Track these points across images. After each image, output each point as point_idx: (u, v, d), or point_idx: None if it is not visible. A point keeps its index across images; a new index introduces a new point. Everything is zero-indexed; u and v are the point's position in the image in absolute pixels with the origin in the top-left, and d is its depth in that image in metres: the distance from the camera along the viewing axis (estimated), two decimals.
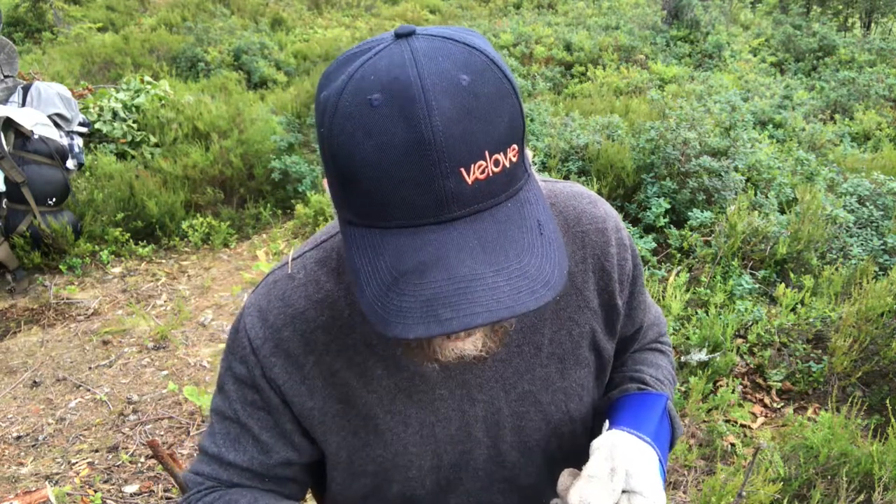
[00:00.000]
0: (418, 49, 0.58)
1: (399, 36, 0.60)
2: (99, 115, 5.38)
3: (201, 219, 4.72)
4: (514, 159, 0.61)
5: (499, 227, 0.59)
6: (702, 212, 3.76)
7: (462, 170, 0.57)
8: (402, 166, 0.56)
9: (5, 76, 4.83)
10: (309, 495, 1.02)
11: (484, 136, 0.57)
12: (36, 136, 4.06)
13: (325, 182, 0.70)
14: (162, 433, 2.81)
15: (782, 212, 3.86)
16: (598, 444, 0.80)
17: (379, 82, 0.57)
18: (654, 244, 3.69)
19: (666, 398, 0.90)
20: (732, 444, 2.54)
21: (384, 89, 0.56)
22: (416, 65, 0.56)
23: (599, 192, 4.15)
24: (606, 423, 0.86)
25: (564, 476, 0.79)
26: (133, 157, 5.31)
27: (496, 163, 0.59)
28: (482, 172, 0.58)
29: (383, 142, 0.56)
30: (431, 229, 0.58)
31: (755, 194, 3.96)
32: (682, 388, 2.68)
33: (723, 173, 3.96)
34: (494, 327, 0.73)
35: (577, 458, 0.85)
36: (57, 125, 4.45)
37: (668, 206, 3.90)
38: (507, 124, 0.60)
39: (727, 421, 2.64)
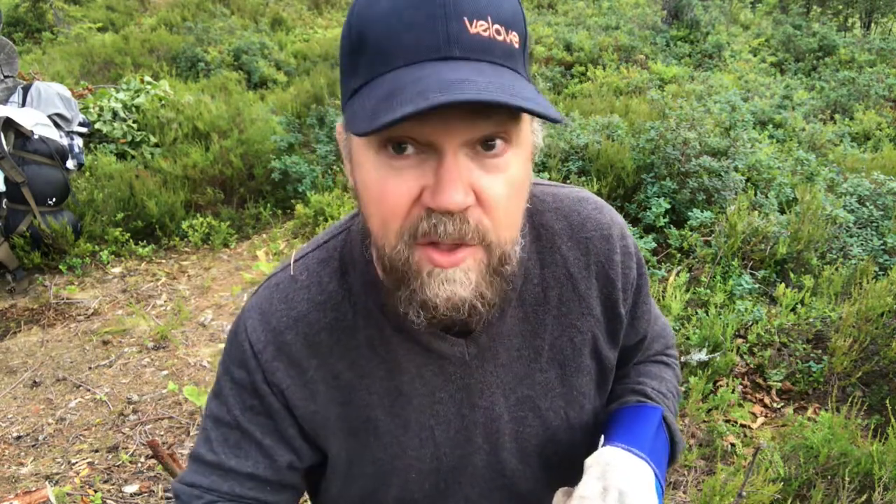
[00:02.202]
0: None
1: None
2: (99, 115, 5.39)
3: (201, 219, 4.72)
4: (515, 45, 0.65)
5: (496, 71, 0.62)
6: (702, 212, 3.76)
7: (465, 19, 0.61)
8: (410, 12, 0.60)
9: (5, 76, 4.83)
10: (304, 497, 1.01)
11: (489, 5, 0.62)
12: (36, 136, 4.06)
13: (339, 125, 0.72)
14: (162, 433, 2.81)
15: (782, 212, 3.87)
16: (590, 462, 0.79)
17: None
18: (654, 244, 3.69)
19: (661, 411, 0.89)
20: (732, 444, 2.54)
21: None
22: None
23: (599, 192, 4.15)
24: (602, 438, 0.85)
25: (558, 496, 0.79)
26: (133, 157, 5.31)
27: (497, 32, 0.63)
28: (485, 31, 0.62)
29: None
30: (432, 63, 0.61)
31: (755, 194, 3.96)
32: (683, 389, 2.68)
33: (723, 173, 3.96)
34: (491, 268, 0.69)
35: (576, 466, 0.84)
36: (57, 125, 4.45)
37: (668, 206, 3.90)
38: (510, 10, 0.64)
39: (727, 421, 2.64)
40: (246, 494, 0.83)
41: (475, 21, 0.61)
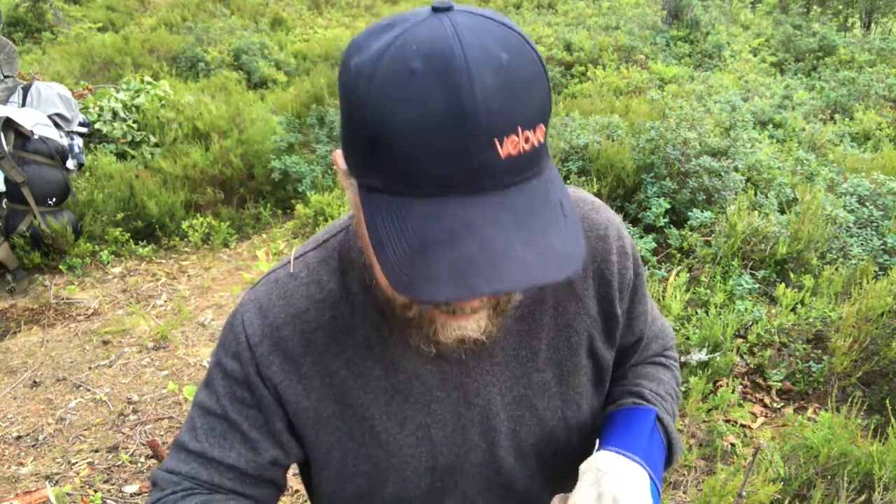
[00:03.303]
0: (459, 23, 0.58)
1: (437, 10, 0.60)
2: (99, 115, 5.39)
3: (201, 219, 4.72)
4: (541, 139, 0.62)
5: (527, 203, 0.60)
6: (702, 212, 3.76)
7: (497, 143, 0.57)
8: (439, 135, 0.56)
9: (5, 76, 4.83)
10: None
11: (519, 113, 0.58)
12: (36, 136, 4.06)
13: (335, 154, 0.69)
14: (162, 433, 2.81)
15: (782, 212, 3.86)
16: (584, 468, 0.80)
17: (420, 52, 0.56)
18: (654, 244, 3.69)
19: (654, 413, 0.89)
20: (732, 444, 2.54)
21: (426, 58, 0.56)
22: (459, 38, 0.56)
23: (599, 192, 4.15)
24: (597, 442, 0.85)
25: (555, 502, 0.79)
26: (133, 157, 5.31)
27: (526, 140, 0.59)
28: (514, 148, 0.58)
29: (422, 110, 0.55)
30: (463, 199, 0.58)
31: (755, 194, 3.96)
32: (683, 389, 2.68)
33: (723, 173, 3.96)
34: (497, 308, 0.74)
35: (573, 465, 0.84)
36: (57, 125, 4.45)
37: (668, 206, 3.90)
38: (538, 103, 0.61)
39: (727, 421, 2.64)
40: (224, 485, 0.84)
41: (506, 140, 0.57)
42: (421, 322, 0.72)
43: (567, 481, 0.91)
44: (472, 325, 0.72)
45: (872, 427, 2.56)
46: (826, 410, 2.51)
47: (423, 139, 0.56)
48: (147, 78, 6.25)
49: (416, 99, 0.55)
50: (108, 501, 2.45)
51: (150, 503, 0.85)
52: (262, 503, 0.87)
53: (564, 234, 0.61)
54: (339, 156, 0.68)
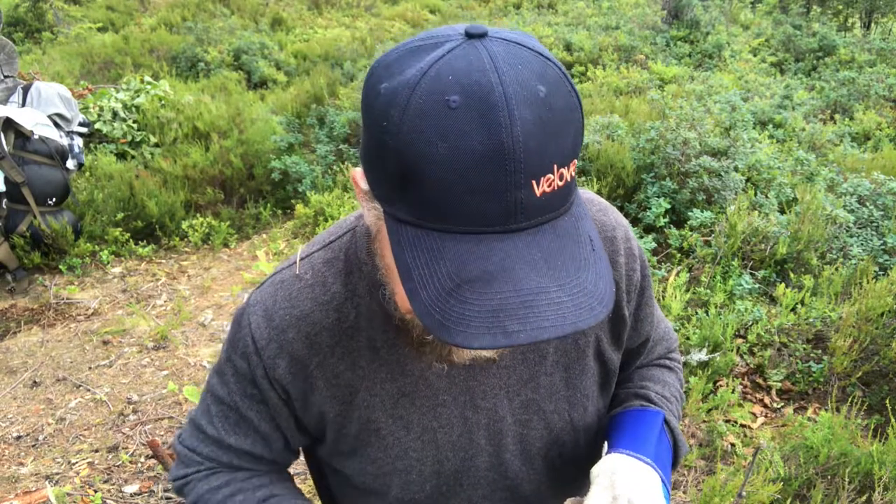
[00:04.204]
0: (496, 54, 0.56)
1: (471, 36, 0.58)
2: (99, 115, 5.39)
3: (201, 219, 4.72)
4: (573, 174, 0.61)
5: (559, 241, 0.59)
6: (702, 212, 3.76)
7: (533, 182, 0.56)
8: (476, 173, 0.54)
9: (5, 76, 4.83)
10: (309, 495, 1.02)
11: (555, 150, 0.57)
12: (36, 136, 4.06)
13: (354, 173, 0.67)
14: (162, 433, 2.81)
15: (782, 212, 3.86)
16: (597, 472, 0.80)
17: (458, 83, 0.54)
18: (654, 244, 3.69)
19: (662, 415, 0.90)
20: (732, 444, 2.54)
21: (463, 92, 0.54)
22: (497, 71, 0.55)
23: (599, 192, 4.15)
24: (605, 444, 0.85)
25: None
26: (133, 157, 5.31)
27: (560, 177, 0.58)
28: (549, 186, 0.57)
29: (459, 146, 0.54)
30: (496, 238, 0.57)
31: (755, 194, 3.96)
32: (683, 389, 2.68)
33: (723, 173, 3.96)
34: None
35: (579, 467, 0.84)
36: (57, 125, 4.45)
37: (668, 206, 3.90)
38: (573, 139, 0.59)
39: (727, 421, 2.64)
40: (243, 466, 0.90)
41: (542, 179, 0.56)
42: (435, 344, 0.73)
43: (573, 484, 0.91)
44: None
45: (872, 427, 2.56)
46: (826, 410, 2.51)
47: (459, 176, 0.54)
48: (147, 78, 6.25)
49: (453, 134, 0.54)
50: (108, 501, 2.45)
51: (176, 476, 0.90)
52: (279, 473, 0.95)
53: (595, 271, 0.60)
54: (359, 175, 0.66)
